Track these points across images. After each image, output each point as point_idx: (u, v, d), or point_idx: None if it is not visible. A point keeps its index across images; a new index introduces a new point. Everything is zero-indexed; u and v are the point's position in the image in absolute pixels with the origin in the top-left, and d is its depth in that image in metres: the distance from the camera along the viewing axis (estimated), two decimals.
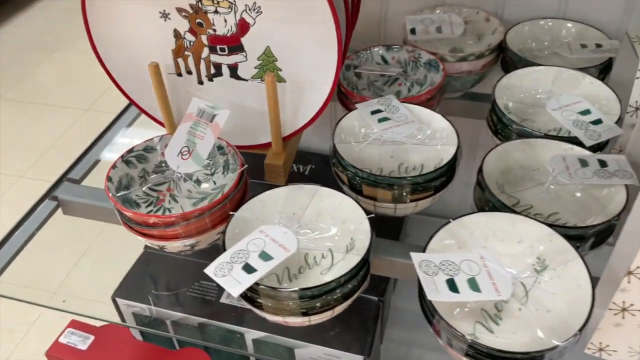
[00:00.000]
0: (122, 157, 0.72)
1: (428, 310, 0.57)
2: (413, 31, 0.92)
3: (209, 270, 0.58)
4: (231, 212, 0.65)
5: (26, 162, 2.07)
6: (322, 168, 1.12)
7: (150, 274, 0.98)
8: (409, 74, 0.90)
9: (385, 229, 0.94)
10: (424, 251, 0.59)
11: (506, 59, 0.90)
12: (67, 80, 2.55)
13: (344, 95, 0.85)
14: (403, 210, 0.71)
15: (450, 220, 0.61)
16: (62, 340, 0.92)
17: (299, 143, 0.92)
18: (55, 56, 2.71)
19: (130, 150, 0.73)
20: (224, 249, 0.60)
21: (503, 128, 0.77)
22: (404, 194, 0.68)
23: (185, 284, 0.92)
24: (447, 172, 0.70)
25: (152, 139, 0.75)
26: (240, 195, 0.70)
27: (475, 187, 0.70)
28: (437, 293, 0.53)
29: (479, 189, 0.68)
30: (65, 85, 2.51)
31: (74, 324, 0.95)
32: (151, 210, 0.72)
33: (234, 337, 0.88)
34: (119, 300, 1.02)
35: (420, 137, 0.76)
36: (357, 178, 0.69)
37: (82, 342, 0.92)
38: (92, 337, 0.92)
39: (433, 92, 0.81)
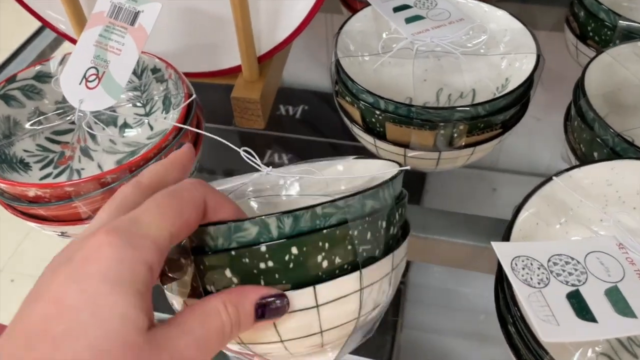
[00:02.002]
0: None
1: (522, 339, 0.31)
2: None
3: None
4: None
5: None
6: (318, 108, 0.84)
7: None
8: None
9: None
10: (509, 235, 0.33)
11: None
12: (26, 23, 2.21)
13: None
14: (450, 161, 0.45)
15: (553, 177, 0.35)
16: None
17: (282, 70, 0.64)
18: None
19: (12, 79, 0.45)
20: None
21: (599, 28, 0.49)
22: (456, 134, 0.42)
23: None
24: (523, 96, 0.44)
25: (47, 60, 0.47)
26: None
27: (570, 122, 0.44)
28: (556, 327, 0.27)
29: (580, 122, 0.41)
30: (22, 29, 2.18)
31: None
32: (49, 174, 0.45)
33: None
34: None
35: (471, 45, 0.48)
36: (377, 112, 0.42)
37: None
38: None
39: None
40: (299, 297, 0.26)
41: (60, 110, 0.47)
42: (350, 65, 0.46)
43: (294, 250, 0.25)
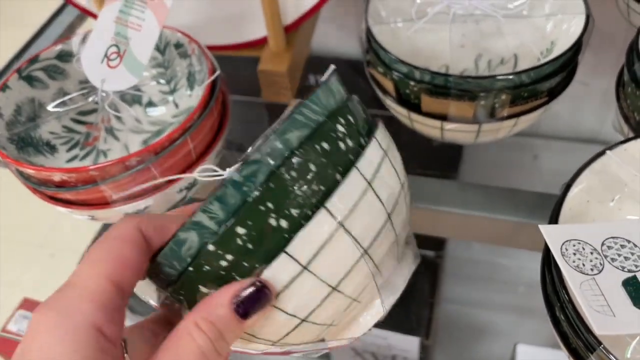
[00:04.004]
0: (18, 70, 0.43)
1: (572, 326, 0.29)
2: None
3: None
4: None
5: None
6: (349, 78, 0.81)
7: None
8: None
9: (434, 159, 0.66)
10: (557, 215, 0.30)
11: None
12: None
13: None
14: (491, 133, 0.42)
15: (606, 151, 0.32)
16: (11, 327, 0.69)
17: (311, 39, 0.62)
18: None
19: (34, 60, 0.44)
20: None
21: None
22: (497, 105, 0.39)
23: None
24: (571, 61, 0.40)
25: (68, 38, 0.46)
26: (214, 123, 0.42)
27: (623, 88, 0.40)
28: (611, 318, 0.25)
29: (634, 89, 0.38)
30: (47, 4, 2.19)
31: (28, 304, 0.71)
32: (76, 156, 0.44)
33: None
34: None
35: (513, 6, 0.45)
36: (412, 83, 0.40)
37: None
38: None
39: None
40: (279, 270, 0.23)
41: (85, 91, 0.45)
42: (382, 33, 0.44)
43: (240, 230, 0.22)
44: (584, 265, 0.26)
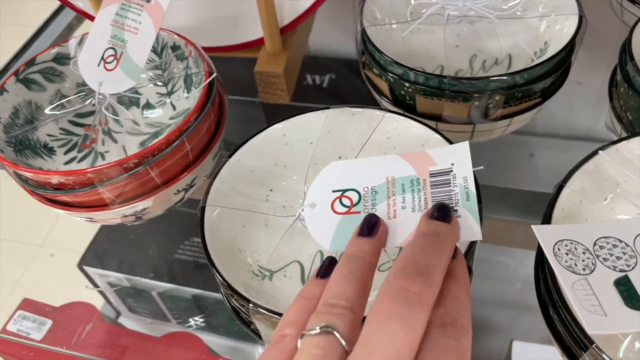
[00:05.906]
0: (16, 73, 0.44)
1: (565, 326, 0.29)
2: None
3: None
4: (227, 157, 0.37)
5: None
6: (346, 77, 0.82)
7: (126, 233, 0.74)
8: None
9: None
10: (550, 215, 0.31)
11: None
12: None
13: None
14: (485, 133, 0.43)
15: (598, 151, 0.32)
16: (11, 327, 0.69)
17: (307, 40, 0.62)
18: None
19: (31, 62, 0.45)
20: (202, 235, 0.33)
21: None
22: (491, 105, 0.39)
23: (172, 243, 0.67)
24: (564, 61, 0.41)
25: (66, 41, 0.46)
26: (211, 125, 0.42)
27: (615, 89, 0.41)
28: (603, 317, 0.25)
29: (627, 88, 0.38)
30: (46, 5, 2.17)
31: (27, 305, 0.71)
32: (74, 158, 0.45)
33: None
34: (88, 269, 0.78)
35: (507, 7, 0.45)
36: (407, 85, 0.40)
37: (36, 329, 0.69)
38: (49, 322, 0.69)
39: None
40: None
41: (82, 93, 0.46)
42: (377, 34, 0.44)
43: None
44: (576, 265, 0.27)
